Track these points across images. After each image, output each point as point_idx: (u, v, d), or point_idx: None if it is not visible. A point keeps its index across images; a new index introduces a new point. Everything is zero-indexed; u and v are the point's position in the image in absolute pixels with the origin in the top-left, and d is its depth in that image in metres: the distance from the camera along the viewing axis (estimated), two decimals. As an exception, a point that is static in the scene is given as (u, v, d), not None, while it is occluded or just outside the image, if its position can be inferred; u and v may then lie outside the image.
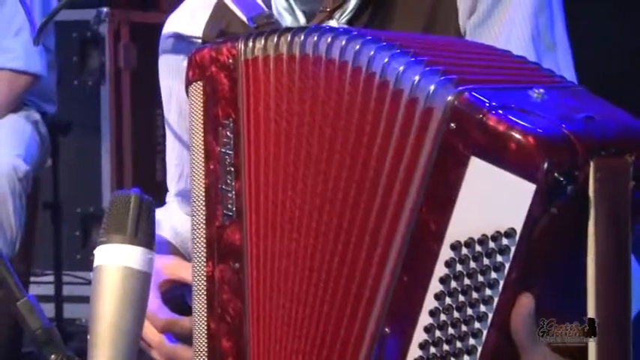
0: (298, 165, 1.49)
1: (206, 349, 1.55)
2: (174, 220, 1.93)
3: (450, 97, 1.37)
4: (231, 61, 1.54)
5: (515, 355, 1.35)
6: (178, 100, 1.87)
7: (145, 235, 1.52)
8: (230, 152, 1.53)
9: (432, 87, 1.38)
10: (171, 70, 1.87)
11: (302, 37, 1.49)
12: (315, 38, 1.48)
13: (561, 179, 1.29)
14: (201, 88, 1.55)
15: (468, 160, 1.34)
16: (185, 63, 1.60)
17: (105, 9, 5.00)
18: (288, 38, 1.50)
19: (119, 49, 5.04)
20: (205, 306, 1.55)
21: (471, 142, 1.34)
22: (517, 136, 1.31)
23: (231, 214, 1.54)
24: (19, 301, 1.70)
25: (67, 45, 4.88)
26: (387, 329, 1.41)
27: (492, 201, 1.33)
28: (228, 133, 1.53)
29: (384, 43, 1.45)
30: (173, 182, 1.97)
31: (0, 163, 3.98)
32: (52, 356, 1.52)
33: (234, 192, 1.53)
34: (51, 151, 4.34)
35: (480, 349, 1.34)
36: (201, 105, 1.55)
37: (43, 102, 4.29)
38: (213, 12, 1.83)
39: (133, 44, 5.07)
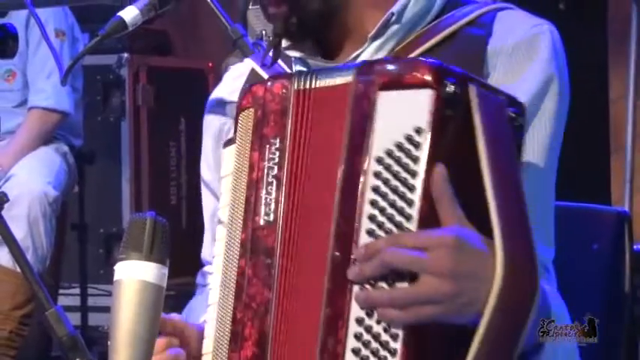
0: (323, 180, 1.52)
1: (230, 335, 1.56)
2: None
3: (353, 70, 1.52)
4: (284, 91, 1.57)
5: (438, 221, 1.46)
6: (206, 156, 1.88)
7: (160, 252, 1.51)
8: (274, 166, 1.55)
9: (350, 71, 1.53)
10: (207, 129, 1.88)
11: (343, 73, 1.54)
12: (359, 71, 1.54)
13: (452, 87, 1.44)
14: (253, 113, 1.58)
15: (376, 95, 1.47)
16: (226, 126, 1.67)
17: (125, 54, 5.00)
18: (337, 72, 1.55)
19: (138, 90, 5.04)
20: (233, 296, 1.56)
21: (375, 86, 1.48)
22: (412, 68, 1.47)
23: (269, 219, 1.55)
24: (48, 311, 1.70)
25: (92, 86, 4.88)
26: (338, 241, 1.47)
27: (401, 114, 1.46)
28: (274, 150, 1.56)
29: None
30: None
31: (32, 189, 3.98)
32: (77, 359, 1.52)
33: (273, 201, 1.55)
34: (77, 179, 4.33)
35: (415, 216, 1.43)
36: (251, 127, 1.58)
37: (71, 136, 4.28)
38: (247, 79, 1.84)
39: (150, 85, 5.07)
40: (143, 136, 5.05)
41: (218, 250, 1.62)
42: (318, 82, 1.55)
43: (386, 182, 1.45)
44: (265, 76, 1.77)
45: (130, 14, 1.71)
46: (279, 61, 1.79)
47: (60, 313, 1.77)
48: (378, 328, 1.43)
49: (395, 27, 1.73)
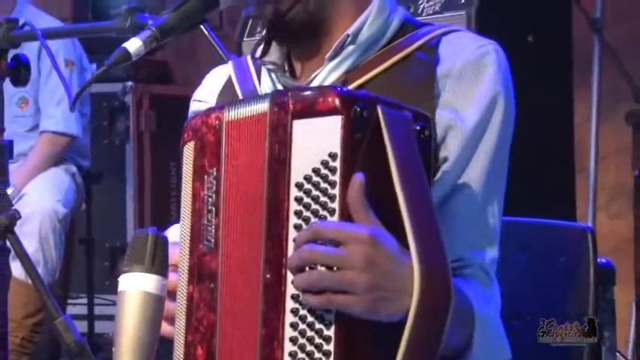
0: (252, 205, 1.50)
1: (183, 357, 1.54)
2: None
3: (268, 100, 1.50)
4: (217, 122, 1.55)
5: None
6: None
7: (160, 265, 1.51)
8: (212, 195, 1.53)
9: (265, 100, 1.50)
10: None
11: (267, 102, 1.52)
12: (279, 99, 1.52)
13: (358, 110, 1.43)
14: (193, 146, 1.57)
15: (291, 125, 1.46)
16: None
17: (130, 83, 5.00)
18: (260, 103, 1.52)
19: (141, 115, 5.04)
20: (184, 321, 1.54)
21: (289, 114, 1.46)
22: (321, 95, 1.45)
23: (210, 245, 1.53)
24: (57, 320, 1.69)
25: (99, 112, 4.87)
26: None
27: (315, 142, 1.44)
28: (211, 179, 1.54)
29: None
30: None
31: (43, 207, 3.97)
32: (84, 365, 1.51)
33: (213, 227, 1.53)
34: (85, 197, 4.32)
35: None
36: (192, 159, 1.56)
37: (79, 157, 4.28)
38: (223, 87, 1.84)
39: (152, 111, 5.06)
40: (146, 158, 5.05)
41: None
42: (243, 111, 1.53)
43: (307, 207, 1.43)
44: (238, 88, 1.78)
45: (133, 45, 1.70)
46: (253, 74, 1.78)
47: (68, 322, 1.76)
48: (310, 347, 1.41)
49: (350, 48, 1.71)
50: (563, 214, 3.13)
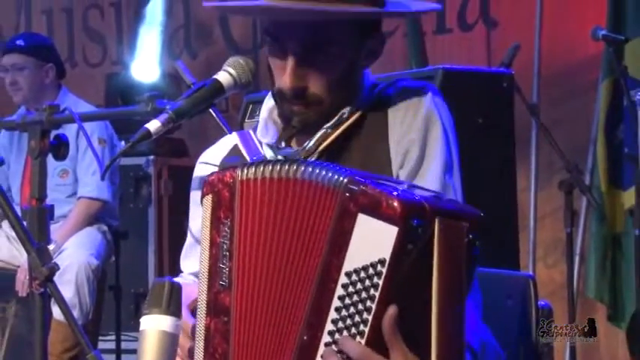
0: (268, 253, 1.48)
1: None
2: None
3: (345, 179, 1.42)
4: (231, 180, 1.53)
5: (385, 348, 1.36)
6: (195, 221, 1.85)
7: (175, 308, 1.50)
8: (227, 242, 1.52)
9: (337, 176, 1.43)
10: (195, 202, 1.86)
11: (282, 166, 1.50)
12: (287, 166, 1.49)
13: (415, 225, 1.34)
14: (211, 199, 1.54)
15: (356, 216, 1.38)
16: None
17: (152, 156, 4.99)
18: (273, 166, 1.51)
19: (161, 183, 5.03)
20: (202, 349, 1.51)
21: (358, 204, 1.38)
22: (387, 198, 1.36)
23: (224, 284, 1.51)
24: (89, 354, 1.67)
25: (126, 180, 4.86)
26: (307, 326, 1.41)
27: (371, 241, 1.36)
28: (226, 229, 1.52)
29: (336, 169, 1.48)
30: (191, 267, 1.89)
31: (79, 260, 3.95)
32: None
33: (227, 269, 1.51)
34: (114, 251, 4.29)
35: (366, 333, 1.36)
36: (210, 210, 1.54)
37: (110, 218, 4.25)
38: (229, 152, 1.82)
39: (170, 180, 5.05)
40: (164, 219, 5.03)
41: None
42: (254, 172, 1.50)
43: (350, 295, 1.38)
44: (245, 153, 1.76)
45: (154, 126, 1.70)
46: (257, 144, 1.77)
47: (98, 356, 1.73)
48: None
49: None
50: (509, 265, 3.12)
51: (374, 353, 1.35)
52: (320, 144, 1.71)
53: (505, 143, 3.34)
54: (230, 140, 1.85)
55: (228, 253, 1.51)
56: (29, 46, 4.16)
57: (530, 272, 4.15)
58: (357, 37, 1.71)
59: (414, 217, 1.34)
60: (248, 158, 1.76)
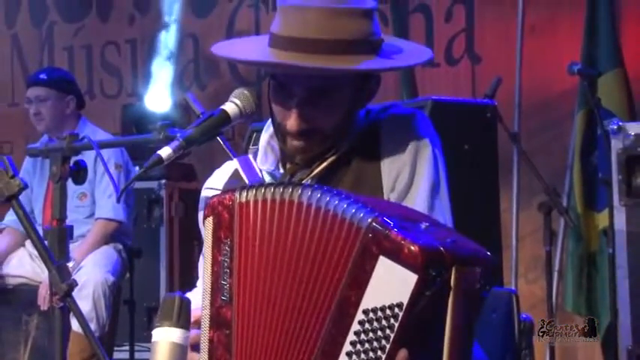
0: (271, 270, 1.46)
1: None
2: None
3: (370, 219, 1.38)
4: (230, 203, 1.52)
5: None
6: None
7: (184, 321, 1.49)
8: (227, 260, 1.51)
9: (362, 214, 1.39)
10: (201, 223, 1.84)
11: (278, 188, 1.49)
12: (286, 189, 1.47)
13: (433, 274, 1.32)
14: (212, 221, 1.54)
15: (378, 258, 1.36)
16: None
17: (163, 180, 4.98)
18: (269, 189, 1.49)
19: (172, 206, 5.01)
20: (207, 357, 1.51)
21: (380, 247, 1.36)
22: (409, 244, 1.33)
23: (225, 299, 1.50)
24: (104, 364, 1.65)
25: (140, 203, 4.85)
26: None
27: (390, 284, 1.34)
28: (226, 248, 1.51)
29: (335, 193, 1.45)
30: None
31: (97, 276, 3.93)
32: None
33: (228, 285, 1.50)
34: (128, 268, 4.27)
35: None
36: (211, 231, 1.54)
37: (125, 238, 4.24)
38: (231, 176, 1.81)
39: (181, 202, 5.04)
40: (175, 238, 5.01)
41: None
42: (252, 194, 1.49)
43: (365, 332, 1.36)
44: (245, 177, 1.75)
45: (165, 152, 1.69)
46: (257, 169, 1.75)
47: (113, 366, 1.71)
48: None
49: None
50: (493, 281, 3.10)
51: None
52: (314, 169, 1.70)
53: (489, 168, 3.34)
54: (231, 165, 1.84)
55: (228, 270, 1.50)
56: (51, 79, 4.17)
57: (513, 288, 4.14)
58: (359, 82, 1.71)
59: (433, 267, 1.32)
60: (247, 182, 1.75)
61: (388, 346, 1.32)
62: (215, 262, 1.52)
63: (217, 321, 1.50)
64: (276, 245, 1.46)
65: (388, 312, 1.33)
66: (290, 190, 1.47)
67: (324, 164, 1.69)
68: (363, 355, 1.35)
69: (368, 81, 1.72)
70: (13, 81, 6.10)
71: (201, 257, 1.88)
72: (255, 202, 1.49)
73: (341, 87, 1.67)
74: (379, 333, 1.34)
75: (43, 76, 4.20)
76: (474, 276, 1.35)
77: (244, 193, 1.51)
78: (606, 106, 3.89)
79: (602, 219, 4.00)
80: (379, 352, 1.34)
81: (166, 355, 1.46)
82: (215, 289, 1.51)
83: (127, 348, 4.40)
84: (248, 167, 1.78)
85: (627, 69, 4.15)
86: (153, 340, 1.49)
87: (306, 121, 1.66)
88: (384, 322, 1.33)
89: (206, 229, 1.55)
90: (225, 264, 1.50)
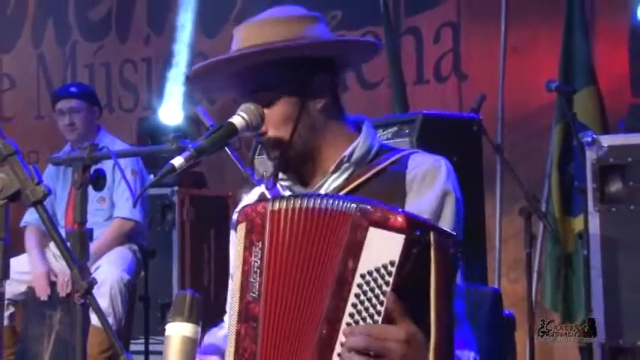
0: (294, 268, 1.48)
1: None
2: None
3: (354, 205, 1.44)
4: (263, 210, 1.53)
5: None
6: (233, 260, 1.84)
7: (195, 316, 1.48)
8: (258, 260, 1.51)
9: (348, 204, 1.45)
10: (233, 241, 1.83)
11: (301, 199, 1.51)
12: (309, 199, 1.50)
13: (418, 234, 1.38)
14: (245, 226, 1.54)
15: (367, 229, 1.41)
16: None
17: (176, 187, 4.98)
18: (295, 200, 1.51)
19: (184, 210, 5.01)
20: (233, 350, 1.51)
21: (369, 219, 1.42)
22: (394, 214, 1.40)
23: (254, 296, 1.50)
24: (121, 356, 1.64)
25: (154, 208, 4.85)
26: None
27: (381, 248, 1.39)
28: (257, 250, 1.52)
29: (339, 196, 1.51)
30: None
31: (113, 275, 3.92)
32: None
33: (257, 283, 1.50)
34: (143, 267, 4.26)
35: (380, 322, 1.39)
36: (244, 235, 1.54)
37: (141, 238, 4.23)
38: (258, 197, 1.81)
39: (192, 207, 5.03)
40: (187, 240, 5.00)
41: (229, 319, 1.56)
42: (282, 204, 1.51)
43: (365, 293, 1.40)
44: (269, 196, 1.76)
45: (178, 162, 1.69)
46: (279, 186, 1.77)
47: (129, 358, 1.70)
48: None
49: (346, 165, 1.72)
50: (478, 280, 3.10)
51: (387, 325, 1.38)
52: (329, 188, 1.71)
53: (475, 177, 3.34)
54: (258, 190, 1.85)
55: (258, 270, 1.51)
56: (80, 92, 4.19)
57: (496, 286, 4.14)
58: (294, 76, 1.70)
59: (416, 228, 1.39)
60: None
61: (386, 298, 1.38)
62: (246, 262, 1.53)
63: (246, 316, 1.50)
64: (300, 247, 1.48)
65: (383, 271, 1.38)
66: (315, 199, 1.50)
67: (345, 191, 1.69)
68: (364, 313, 1.39)
69: (312, 76, 1.70)
70: (39, 96, 6.11)
71: (230, 281, 1.87)
72: (286, 210, 1.51)
73: (273, 84, 1.69)
74: (377, 290, 1.39)
75: (73, 89, 4.22)
76: (448, 241, 1.41)
77: (277, 203, 1.53)
78: (581, 120, 3.90)
79: (577, 223, 4.00)
80: (379, 306, 1.39)
81: (178, 347, 1.46)
82: (245, 286, 1.52)
83: (142, 341, 4.38)
84: (273, 190, 1.79)
85: (600, 86, 4.16)
86: (166, 334, 1.48)
87: (265, 130, 1.70)
88: (380, 281, 1.38)
89: (238, 233, 1.56)
90: (256, 264, 1.51)
